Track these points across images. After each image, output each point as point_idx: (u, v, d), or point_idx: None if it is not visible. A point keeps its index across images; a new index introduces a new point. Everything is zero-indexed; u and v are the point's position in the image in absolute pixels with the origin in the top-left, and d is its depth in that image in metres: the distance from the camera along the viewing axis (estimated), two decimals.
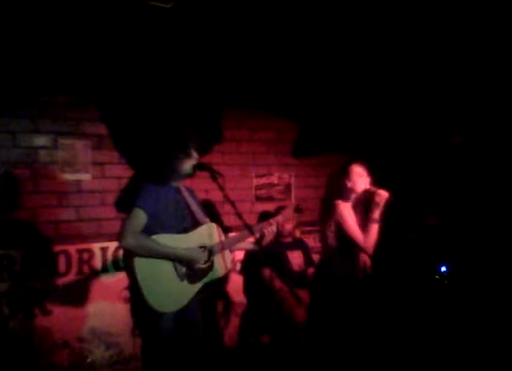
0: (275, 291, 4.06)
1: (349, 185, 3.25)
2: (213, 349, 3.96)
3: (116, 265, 3.78)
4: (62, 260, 3.62)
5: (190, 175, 2.88)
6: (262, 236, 2.97)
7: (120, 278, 3.65)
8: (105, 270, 3.79)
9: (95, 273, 3.74)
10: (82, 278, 3.69)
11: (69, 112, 3.74)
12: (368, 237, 3.16)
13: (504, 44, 3.89)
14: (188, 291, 2.73)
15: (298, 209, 3.17)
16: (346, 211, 3.21)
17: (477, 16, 3.50)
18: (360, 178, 3.25)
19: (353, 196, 3.28)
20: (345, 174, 3.28)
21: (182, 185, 2.93)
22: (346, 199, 3.26)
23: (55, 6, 3.08)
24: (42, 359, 3.49)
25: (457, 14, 3.47)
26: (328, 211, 3.28)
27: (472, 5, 3.33)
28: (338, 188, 3.29)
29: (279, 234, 4.15)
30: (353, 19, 3.55)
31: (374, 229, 3.17)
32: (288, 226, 4.22)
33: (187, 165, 2.80)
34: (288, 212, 3.14)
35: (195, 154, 2.83)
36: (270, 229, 2.98)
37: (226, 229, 3.01)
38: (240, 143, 4.56)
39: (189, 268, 2.71)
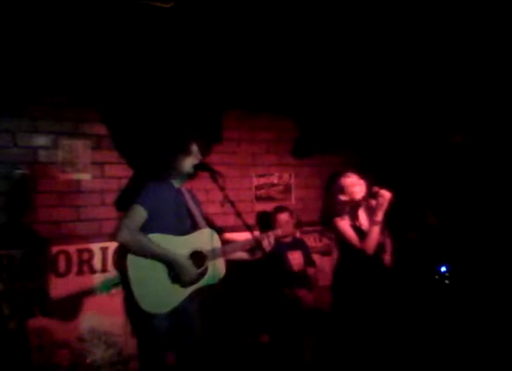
0: (275, 291, 4.07)
1: (344, 198, 3.23)
2: (212, 349, 3.95)
3: (116, 265, 3.79)
4: (62, 260, 3.63)
5: (191, 176, 2.87)
6: (260, 247, 2.95)
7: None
8: (105, 270, 3.78)
9: (95, 273, 3.74)
10: (82, 278, 3.69)
11: (69, 112, 3.74)
12: (367, 240, 3.14)
13: (504, 44, 3.89)
14: (179, 293, 2.71)
15: (299, 224, 3.17)
16: (344, 226, 3.21)
17: (477, 16, 3.50)
18: (355, 187, 3.22)
19: (353, 205, 3.26)
20: (337, 189, 3.24)
21: (184, 187, 2.93)
22: (342, 213, 3.22)
23: (55, 6, 3.08)
24: (42, 359, 3.50)
25: (457, 14, 3.47)
26: (329, 226, 3.29)
27: (472, 5, 3.33)
28: (333, 203, 3.25)
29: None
30: (353, 19, 3.54)
31: (375, 231, 3.13)
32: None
33: (188, 164, 2.80)
34: (289, 227, 3.14)
35: (196, 153, 2.82)
36: (267, 242, 2.95)
37: (226, 230, 3.00)
38: (240, 143, 4.56)
39: (177, 276, 2.68)
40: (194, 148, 2.83)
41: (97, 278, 3.75)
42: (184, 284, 2.71)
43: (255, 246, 2.92)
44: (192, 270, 2.71)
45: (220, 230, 3.08)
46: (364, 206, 3.32)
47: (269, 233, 2.98)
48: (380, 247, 3.26)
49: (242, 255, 3.07)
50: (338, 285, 3.39)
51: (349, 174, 3.27)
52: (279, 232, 3.04)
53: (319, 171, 4.97)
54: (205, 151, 2.93)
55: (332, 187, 3.28)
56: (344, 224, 3.20)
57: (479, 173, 4.68)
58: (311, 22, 3.55)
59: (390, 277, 3.42)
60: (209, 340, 2.98)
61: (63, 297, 3.59)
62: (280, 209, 4.16)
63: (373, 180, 3.28)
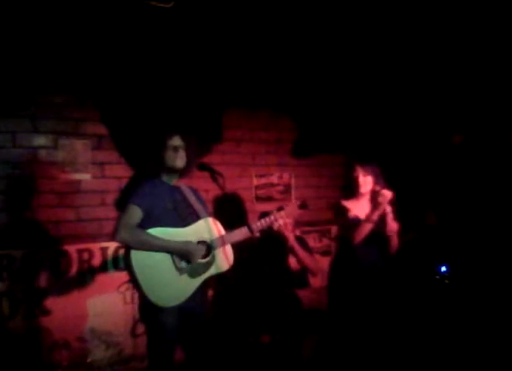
0: (275, 290, 4.07)
1: (353, 185, 3.36)
2: (214, 348, 3.96)
3: (116, 265, 3.79)
4: (62, 260, 3.62)
5: (182, 172, 2.87)
6: (269, 230, 2.98)
7: (120, 278, 3.68)
8: (105, 270, 3.79)
9: (95, 273, 3.74)
10: (82, 278, 3.69)
11: (69, 112, 3.74)
12: (356, 232, 3.26)
13: (504, 45, 3.89)
14: (188, 285, 2.72)
15: (302, 206, 3.13)
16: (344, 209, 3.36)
17: (477, 17, 3.50)
18: (364, 179, 3.31)
19: (359, 195, 3.37)
20: (350, 174, 3.38)
21: (183, 184, 2.94)
22: (351, 197, 3.39)
23: (55, 6, 3.08)
24: (42, 359, 3.49)
25: (457, 14, 3.47)
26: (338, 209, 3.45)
27: (472, 6, 3.33)
28: (346, 187, 3.42)
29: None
30: (354, 19, 3.55)
31: (366, 227, 3.23)
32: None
33: (169, 158, 2.81)
34: (293, 208, 3.10)
35: (177, 147, 2.82)
36: (277, 224, 2.98)
37: (226, 230, 3.00)
38: (240, 143, 4.56)
39: (188, 263, 2.70)
40: (174, 141, 2.83)
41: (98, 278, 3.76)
42: (195, 270, 2.72)
43: (259, 233, 2.96)
44: (198, 249, 2.73)
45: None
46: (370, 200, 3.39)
47: (276, 216, 2.99)
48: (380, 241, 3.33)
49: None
50: (334, 283, 3.44)
51: (360, 164, 3.38)
52: (283, 214, 3.03)
53: (319, 171, 4.97)
54: (192, 143, 2.92)
55: (346, 172, 3.49)
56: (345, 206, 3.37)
57: (479, 174, 4.68)
58: (311, 22, 3.56)
59: (389, 276, 3.44)
60: (210, 340, 2.98)
61: (63, 297, 3.59)
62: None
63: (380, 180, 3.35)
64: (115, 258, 3.78)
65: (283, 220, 3.03)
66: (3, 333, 3.37)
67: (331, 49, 4.06)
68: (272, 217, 2.99)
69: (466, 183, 4.75)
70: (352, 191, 3.39)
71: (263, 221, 2.99)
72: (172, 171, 2.85)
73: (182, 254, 2.69)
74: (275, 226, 3.01)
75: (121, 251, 3.32)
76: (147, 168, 2.91)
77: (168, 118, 3.95)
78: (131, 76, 3.87)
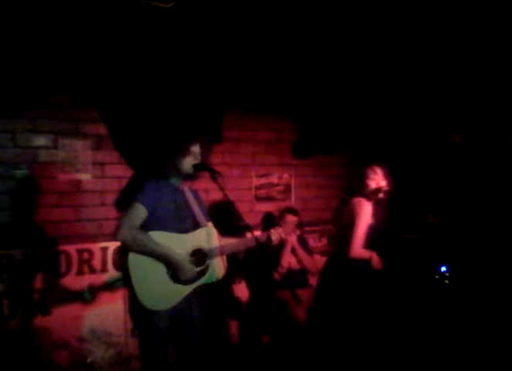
0: (275, 291, 4.07)
1: (373, 185, 3.33)
2: (213, 349, 3.96)
3: (116, 265, 3.79)
4: (62, 260, 3.63)
5: (191, 176, 2.88)
6: (268, 242, 2.99)
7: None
8: (105, 270, 3.79)
9: (95, 273, 3.74)
10: (82, 278, 3.69)
11: (69, 112, 3.74)
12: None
13: (504, 44, 3.89)
14: (180, 291, 2.72)
15: (300, 225, 3.35)
16: (367, 211, 3.28)
17: (477, 16, 3.50)
18: (382, 181, 3.33)
19: (375, 195, 3.35)
20: (369, 174, 3.34)
21: (186, 186, 2.94)
22: (368, 198, 3.33)
23: (55, 6, 3.08)
24: (42, 359, 3.50)
25: (457, 14, 3.47)
26: (348, 208, 3.35)
27: (471, 5, 3.34)
28: (360, 187, 3.35)
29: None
30: (353, 19, 3.55)
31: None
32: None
33: (187, 164, 2.81)
34: (291, 227, 3.17)
35: (196, 154, 2.83)
36: (275, 239, 2.98)
37: (225, 230, 3.01)
38: (240, 143, 4.56)
39: (174, 275, 2.69)
40: (195, 148, 2.84)
41: (97, 278, 3.75)
42: (183, 283, 2.72)
43: (255, 245, 2.92)
44: (189, 269, 2.71)
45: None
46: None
47: (273, 231, 2.99)
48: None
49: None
50: (333, 282, 3.42)
51: (379, 165, 3.38)
52: (281, 231, 3.04)
53: (319, 171, 4.97)
54: (206, 151, 2.94)
55: (363, 171, 3.39)
56: (366, 211, 3.27)
57: (479, 173, 4.68)
58: (311, 23, 3.56)
59: (389, 276, 3.44)
60: (210, 340, 2.97)
61: (63, 297, 3.59)
62: (289, 211, 4.15)
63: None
64: (115, 258, 3.78)
65: (281, 235, 3.05)
66: (3, 333, 3.37)
67: (331, 50, 4.06)
68: (272, 231, 2.99)
69: (466, 182, 4.75)
70: (360, 192, 3.35)
71: (264, 234, 3.00)
72: (183, 175, 2.86)
73: (172, 265, 2.68)
74: (277, 239, 3.02)
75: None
76: (157, 170, 2.90)
77: (168, 118, 3.96)
78: (131, 76, 3.87)
